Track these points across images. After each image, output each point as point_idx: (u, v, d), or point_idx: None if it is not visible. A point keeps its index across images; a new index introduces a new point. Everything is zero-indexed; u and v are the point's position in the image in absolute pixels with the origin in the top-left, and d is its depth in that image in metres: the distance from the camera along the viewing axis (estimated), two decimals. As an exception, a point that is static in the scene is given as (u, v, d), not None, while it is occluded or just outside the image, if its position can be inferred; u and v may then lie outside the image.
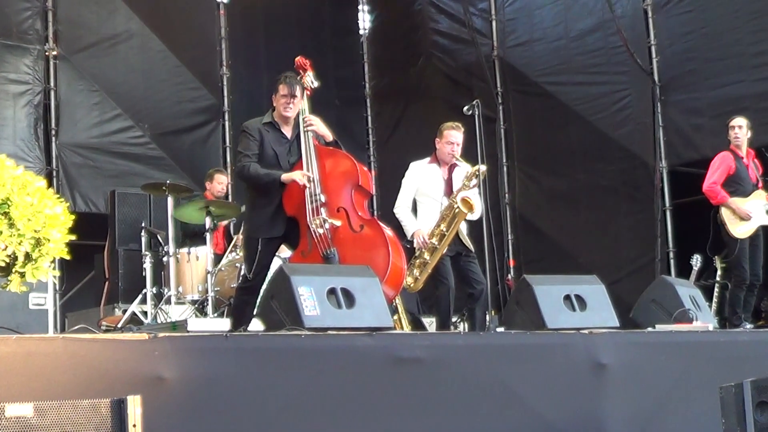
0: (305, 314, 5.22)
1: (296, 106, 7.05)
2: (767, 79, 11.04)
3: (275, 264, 7.04)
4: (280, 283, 5.45)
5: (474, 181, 7.91)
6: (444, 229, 7.88)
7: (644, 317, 7.28)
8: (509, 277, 9.02)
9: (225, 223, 10.25)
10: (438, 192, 8.14)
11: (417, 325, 10.15)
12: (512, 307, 6.68)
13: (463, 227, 8.13)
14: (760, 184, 9.54)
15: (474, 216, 8.09)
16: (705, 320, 7.19)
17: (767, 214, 9.39)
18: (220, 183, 10.60)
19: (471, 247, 8.15)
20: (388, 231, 6.85)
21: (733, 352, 6.56)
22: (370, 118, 15.24)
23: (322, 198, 6.86)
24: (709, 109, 11.62)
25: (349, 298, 5.47)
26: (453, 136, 8.20)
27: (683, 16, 11.87)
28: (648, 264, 11.93)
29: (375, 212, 12.62)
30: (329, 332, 5.20)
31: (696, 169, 11.80)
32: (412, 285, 8.10)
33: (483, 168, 7.86)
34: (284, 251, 7.77)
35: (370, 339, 5.15)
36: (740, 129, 9.54)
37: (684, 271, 10.89)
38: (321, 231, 6.79)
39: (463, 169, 8.09)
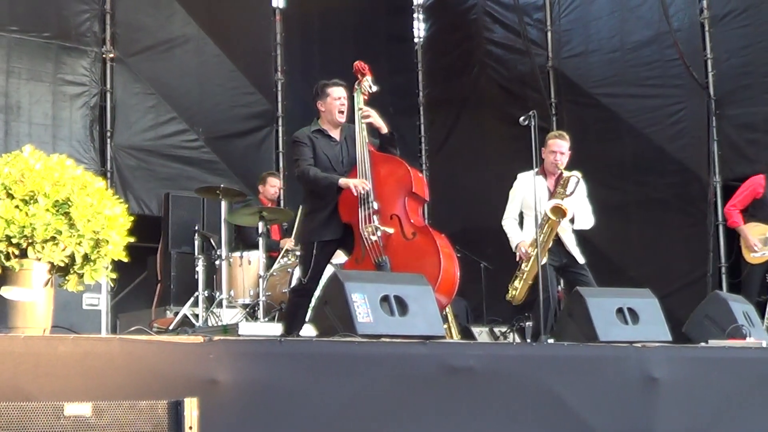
0: (358, 321, 5.23)
1: (347, 108, 7.12)
2: (823, 94, 10.95)
3: (328, 270, 7.08)
4: (334, 289, 5.47)
5: (570, 188, 7.81)
6: (541, 239, 7.67)
7: (697, 332, 7.22)
8: (559, 288, 8.98)
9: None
10: (542, 204, 7.79)
11: (466, 334, 10.16)
12: (564, 318, 6.66)
13: (571, 238, 8.03)
14: None
15: (582, 225, 8.00)
16: (758, 337, 7.11)
17: None
18: (273, 186, 10.67)
19: (579, 258, 8.00)
20: (442, 239, 6.85)
21: (786, 370, 6.50)
22: (423, 126, 15.27)
23: (375, 205, 6.89)
24: (764, 124, 11.52)
25: (402, 306, 5.47)
26: (557, 145, 8.05)
27: (740, 30, 11.78)
28: (699, 279, 11.83)
29: (426, 220, 12.62)
30: (382, 339, 5.21)
31: (750, 185, 11.72)
32: (515, 296, 8.05)
33: (578, 174, 7.81)
34: (337, 258, 7.80)
35: (423, 347, 5.15)
36: None
37: (735, 287, 10.79)
38: (373, 238, 6.82)
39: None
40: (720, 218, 11.83)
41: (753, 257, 9.60)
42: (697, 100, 12.13)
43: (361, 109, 7.11)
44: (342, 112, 7.11)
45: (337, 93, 7.13)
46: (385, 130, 7.15)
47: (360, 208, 6.88)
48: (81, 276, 4.41)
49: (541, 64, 13.81)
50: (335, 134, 7.18)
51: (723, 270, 11.78)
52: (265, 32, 13.94)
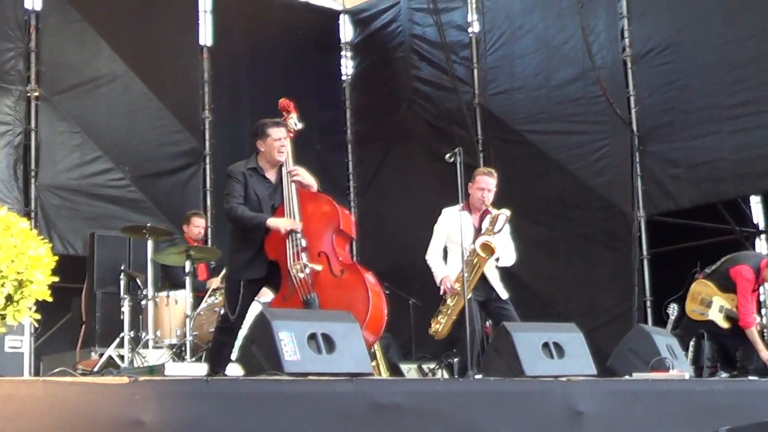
0: (285, 359, 5.22)
1: (287, 148, 7.12)
2: (743, 130, 11.16)
3: (255, 309, 7.06)
4: (261, 327, 5.45)
5: (498, 226, 7.85)
6: (467, 275, 7.63)
7: (621, 365, 7.31)
8: (487, 324, 9.04)
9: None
10: (468, 239, 7.86)
11: (395, 371, 10.17)
12: (491, 354, 6.69)
13: (495, 274, 8.06)
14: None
15: (505, 262, 8.04)
16: (681, 369, 7.23)
17: (724, 319, 9.56)
18: (197, 226, 10.58)
19: (503, 294, 8.04)
20: (370, 276, 6.88)
21: (709, 401, 6.58)
22: (351, 163, 15.30)
23: (303, 242, 6.89)
24: (686, 160, 11.72)
25: (330, 344, 5.47)
26: (485, 182, 8.09)
27: (662, 67, 12.00)
28: (625, 312, 11.96)
29: (354, 257, 12.64)
30: (309, 377, 5.20)
31: (673, 219, 11.92)
32: (439, 330, 8.06)
33: (507, 212, 7.86)
34: (263, 296, 7.78)
35: (350, 385, 5.15)
36: None
37: (660, 320, 10.94)
38: (301, 276, 6.83)
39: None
40: (644, 252, 12.00)
41: (693, 312, 9.72)
42: (620, 137, 12.31)
43: (290, 170, 7.10)
44: (282, 153, 7.11)
45: (277, 134, 7.13)
46: (314, 188, 7.16)
47: (288, 246, 6.89)
48: (3, 317, 4.36)
49: (468, 101, 13.94)
50: (271, 174, 7.17)
51: (648, 304, 11.93)
52: (193, 70, 13.90)
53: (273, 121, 7.22)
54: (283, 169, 7.12)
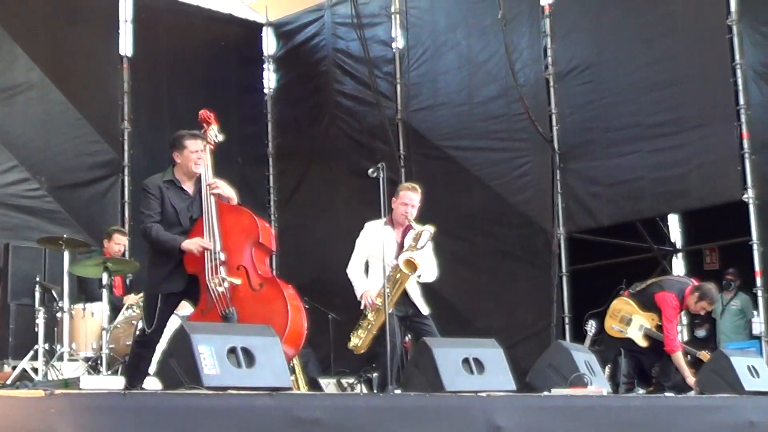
0: (204, 373, 5.14)
1: (204, 161, 7.03)
2: (662, 150, 11.34)
3: (174, 322, 6.96)
4: (180, 341, 5.37)
5: (421, 242, 7.84)
6: (389, 290, 7.52)
7: (540, 381, 7.35)
8: (407, 339, 9.04)
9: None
10: (390, 254, 7.79)
11: (314, 385, 10.13)
12: (411, 368, 6.68)
13: (417, 290, 8.04)
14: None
15: (427, 278, 8.03)
16: (599, 385, 7.28)
17: (643, 338, 9.64)
18: (118, 243, 10.42)
19: (424, 309, 8.03)
20: (289, 290, 6.82)
21: (626, 417, 6.64)
22: (272, 176, 15.25)
23: (222, 256, 6.82)
24: (606, 178, 11.88)
25: (250, 358, 5.41)
26: (408, 197, 8.07)
27: (583, 86, 12.15)
28: (544, 329, 12.06)
29: (274, 271, 12.56)
30: (229, 392, 5.13)
31: (592, 237, 12.04)
32: (358, 345, 8.01)
33: (431, 229, 7.84)
34: (182, 309, 7.69)
35: (269, 399, 5.10)
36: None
37: (579, 336, 11.03)
38: (220, 290, 6.75)
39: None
40: (564, 269, 12.10)
41: (613, 329, 9.79)
42: (542, 154, 12.44)
43: (210, 183, 7.02)
44: (198, 165, 7.02)
45: (194, 146, 7.03)
46: (235, 201, 7.08)
47: (206, 259, 6.80)
48: None
49: (391, 117, 13.96)
50: (188, 186, 7.07)
51: (566, 320, 12.03)
52: (112, 80, 13.73)
53: (190, 132, 7.12)
54: (202, 180, 7.04)
